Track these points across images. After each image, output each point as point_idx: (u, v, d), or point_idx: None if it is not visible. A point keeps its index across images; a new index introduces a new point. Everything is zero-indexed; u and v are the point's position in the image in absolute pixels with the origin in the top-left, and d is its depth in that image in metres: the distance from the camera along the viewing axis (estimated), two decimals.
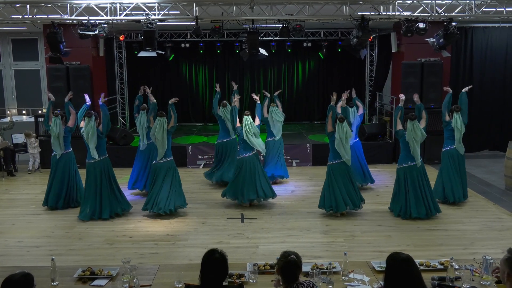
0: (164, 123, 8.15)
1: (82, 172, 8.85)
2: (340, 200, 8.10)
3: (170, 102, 8.51)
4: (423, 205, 8.04)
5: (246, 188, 8.75)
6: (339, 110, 8.95)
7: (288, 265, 3.30)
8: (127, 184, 9.80)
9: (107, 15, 10.06)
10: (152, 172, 8.51)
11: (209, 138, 13.27)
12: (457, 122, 8.62)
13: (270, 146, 10.27)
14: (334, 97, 8.39)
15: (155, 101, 9.01)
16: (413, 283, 3.11)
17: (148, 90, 9.30)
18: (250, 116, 8.83)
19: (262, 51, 11.29)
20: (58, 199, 8.85)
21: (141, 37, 12.44)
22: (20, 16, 10.12)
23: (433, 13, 10.14)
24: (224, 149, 10.36)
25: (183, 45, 14.86)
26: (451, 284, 4.03)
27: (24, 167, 12.06)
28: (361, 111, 9.63)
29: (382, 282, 3.39)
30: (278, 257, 3.45)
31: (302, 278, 3.45)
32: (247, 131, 8.68)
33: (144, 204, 8.42)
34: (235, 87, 10.21)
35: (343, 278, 4.23)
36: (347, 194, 8.11)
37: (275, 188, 9.89)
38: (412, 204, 8.06)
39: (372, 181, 10.06)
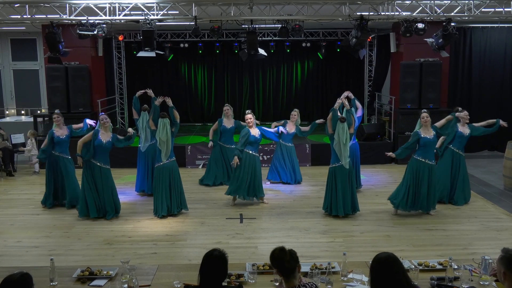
0: (167, 124, 8.05)
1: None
2: (334, 203, 8.12)
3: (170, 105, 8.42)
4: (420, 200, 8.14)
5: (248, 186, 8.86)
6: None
7: (273, 253, 3.29)
8: (134, 187, 9.82)
9: (106, 15, 10.06)
10: (156, 174, 8.33)
11: (208, 138, 13.22)
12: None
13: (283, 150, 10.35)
14: (341, 100, 8.36)
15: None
16: (396, 281, 3.05)
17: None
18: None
19: (261, 51, 11.29)
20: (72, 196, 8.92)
21: (140, 37, 12.47)
22: (19, 16, 10.11)
23: (432, 13, 10.15)
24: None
25: (182, 45, 14.86)
26: (450, 284, 4.03)
27: (22, 167, 12.05)
28: (359, 112, 9.41)
29: None
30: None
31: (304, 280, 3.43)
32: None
33: (156, 211, 8.31)
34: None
35: (342, 278, 4.24)
36: (343, 199, 8.08)
37: (274, 187, 9.90)
38: (415, 198, 8.13)
39: (359, 186, 9.81)
